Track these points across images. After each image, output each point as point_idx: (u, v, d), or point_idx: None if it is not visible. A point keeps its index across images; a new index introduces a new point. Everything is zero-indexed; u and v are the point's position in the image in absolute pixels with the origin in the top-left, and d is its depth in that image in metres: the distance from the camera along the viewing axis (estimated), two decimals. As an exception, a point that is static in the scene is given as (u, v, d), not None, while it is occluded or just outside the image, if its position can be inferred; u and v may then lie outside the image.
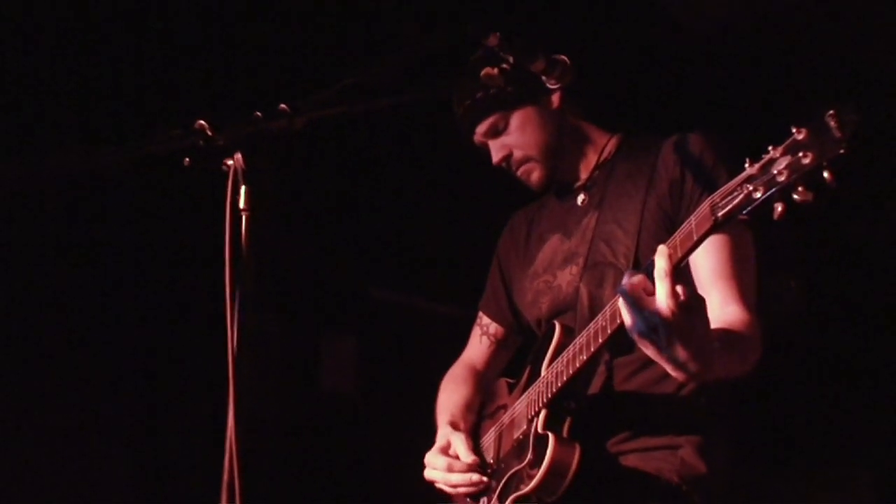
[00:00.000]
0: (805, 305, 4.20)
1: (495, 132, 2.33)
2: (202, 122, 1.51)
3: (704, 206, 1.63)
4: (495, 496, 2.18)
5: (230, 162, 1.53)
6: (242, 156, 1.51)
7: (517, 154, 2.33)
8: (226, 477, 1.46)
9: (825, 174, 1.43)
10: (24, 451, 3.21)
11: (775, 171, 1.48)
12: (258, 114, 1.55)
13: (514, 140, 2.32)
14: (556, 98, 2.30)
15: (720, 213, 1.59)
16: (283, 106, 1.58)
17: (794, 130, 1.48)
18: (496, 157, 2.36)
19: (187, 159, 1.52)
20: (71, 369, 3.37)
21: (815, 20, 3.55)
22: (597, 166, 2.34)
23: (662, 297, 1.62)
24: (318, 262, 4.24)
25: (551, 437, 2.03)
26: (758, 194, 1.51)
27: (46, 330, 3.32)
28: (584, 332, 1.97)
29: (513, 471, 2.13)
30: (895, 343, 4.17)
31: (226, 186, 1.52)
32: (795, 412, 4.29)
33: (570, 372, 2.01)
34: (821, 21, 3.55)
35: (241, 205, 1.52)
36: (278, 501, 3.76)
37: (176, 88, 3.33)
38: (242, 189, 1.52)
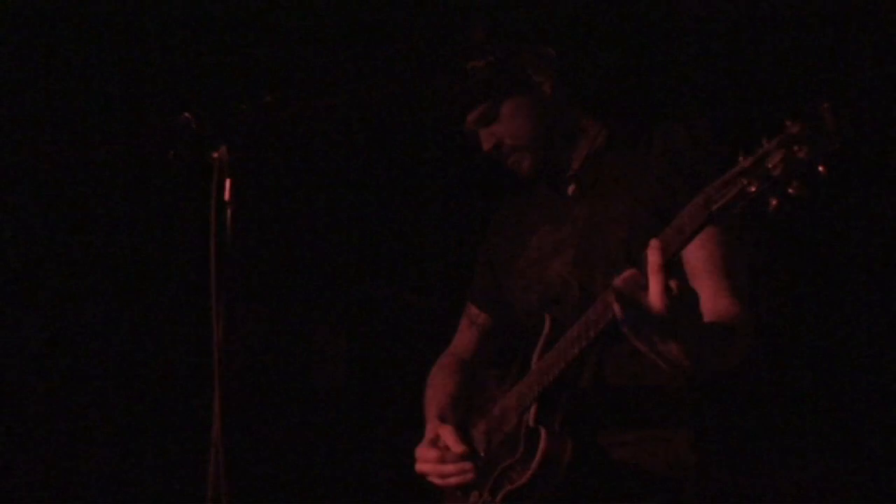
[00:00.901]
0: (794, 298, 4.20)
1: (486, 120, 2.31)
2: (187, 114, 1.50)
3: (698, 200, 1.61)
4: (487, 490, 2.17)
5: (215, 154, 1.52)
6: (227, 148, 1.50)
7: (507, 143, 2.30)
8: (212, 471, 1.45)
9: (820, 168, 1.42)
10: (14, 449, 3.20)
11: (769, 165, 1.46)
12: (243, 106, 1.54)
13: (504, 129, 2.29)
14: (547, 87, 2.27)
15: (714, 207, 1.57)
16: (268, 98, 1.56)
17: (787, 124, 1.46)
18: (486, 145, 2.33)
19: (172, 151, 1.51)
20: (56, 364, 3.35)
21: (811, 9, 3.54)
22: (588, 156, 2.32)
23: (655, 292, 1.60)
24: (308, 257, 4.22)
25: (543, 431, 2.02)
26: (752, 188, 1.49)
27: (29, 326, 3.30)
28: (575, 325, 1.96)
29: (504, 464, 2.12)
30: (887, 337, 4.18)
31: (211, 179, 1.51)
32: (784, 404, 4.30)
33: (562, 365, 1.99)
34: (817, 10, 3.54)
35: (227, 197, 1.50)
36: (268, 497, 3.76)
37: (163, 81, 3.31)
38: (228, 181, 1.50)
